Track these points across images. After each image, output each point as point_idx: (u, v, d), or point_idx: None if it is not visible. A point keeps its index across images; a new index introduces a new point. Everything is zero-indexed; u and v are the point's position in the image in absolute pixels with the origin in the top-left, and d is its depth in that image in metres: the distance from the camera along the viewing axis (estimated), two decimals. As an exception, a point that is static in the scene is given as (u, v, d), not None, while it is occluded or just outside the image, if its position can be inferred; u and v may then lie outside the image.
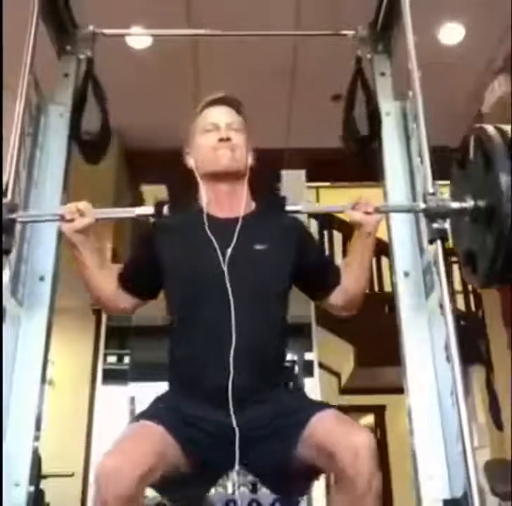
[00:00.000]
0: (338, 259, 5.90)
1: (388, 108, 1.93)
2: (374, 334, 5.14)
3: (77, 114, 1.93)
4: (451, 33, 3.61)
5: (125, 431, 1.36)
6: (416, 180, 1.78)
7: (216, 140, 1.59)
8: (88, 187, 3.83)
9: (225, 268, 1.46)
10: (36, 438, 1.55)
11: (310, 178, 4.87)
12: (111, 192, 4.50)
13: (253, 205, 1.64)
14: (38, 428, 1.56)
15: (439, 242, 1.43)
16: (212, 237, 1.50)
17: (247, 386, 1.40)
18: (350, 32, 2.06)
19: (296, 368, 3.78)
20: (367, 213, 1.47)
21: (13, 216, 1.46)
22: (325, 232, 6.02)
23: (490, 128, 1.37)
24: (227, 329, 1.41)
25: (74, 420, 4.70)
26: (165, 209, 1.64)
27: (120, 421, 3.70)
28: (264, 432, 1.38)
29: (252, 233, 1.53)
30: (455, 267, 6.36)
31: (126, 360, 3.93)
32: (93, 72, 1.98)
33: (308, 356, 3.72)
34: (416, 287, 1.69)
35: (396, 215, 1.78)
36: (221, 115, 1.66)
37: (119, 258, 4.44)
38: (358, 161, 2.10)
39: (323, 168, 4.82)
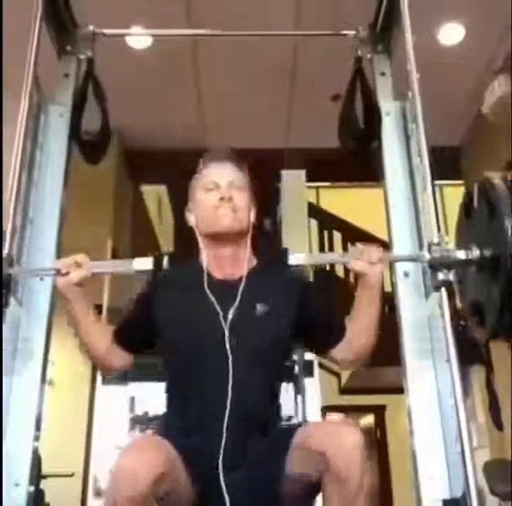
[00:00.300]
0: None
1: (388, 108, 1.93)
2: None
3: (77, 114, 1.92)
4: (451, 33, 3.62)
5: (135, 437, 1.33)
6: (415, 180, 1.78)
7: (218, 199, 1.56)
8: (88, 187, 3.85)
9: (226, 333, 1.44)
10: (36, 438, 1.55)
11: (310, 178, 4.87)
12: (111, 192, 4.50)
13: (254, 261, 1.62)
14: (38, 428, 1.55)
15: (443, 290, 1.40)
16: (213, 299, 1.49)
17: (241, 452, 1.38)
18: (350, 32, 2.06)
19: (296, 368, 3.78)
20: (371, 263, 1.44)
21: (11, 271, 1.48)
22: (326, 232, 6.02)
23: (494, 177, 1.36)
24: (224, 394, 1.39)
25: (74, 420, 4.69)
26: (165, 262, 1.63)
27: (120, 421, 3.71)
28: (256, 465, 1.37)
29: (253, 293, 1.51)
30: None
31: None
32: (94, 72, 1.98)
33: (308, 356, 3.71)
34: (415, 288, 1.69)
35: (395, 215, 1.78)
36: (222, 173, 1.62)
37: (119, 257, 4.44)
38: (357, 161, 2.10)
39: (323, 168, 4.83)
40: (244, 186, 1.63)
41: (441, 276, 1.38)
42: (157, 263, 1.63)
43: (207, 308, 1.47)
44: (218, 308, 1.48)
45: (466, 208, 1.48)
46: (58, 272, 1.45)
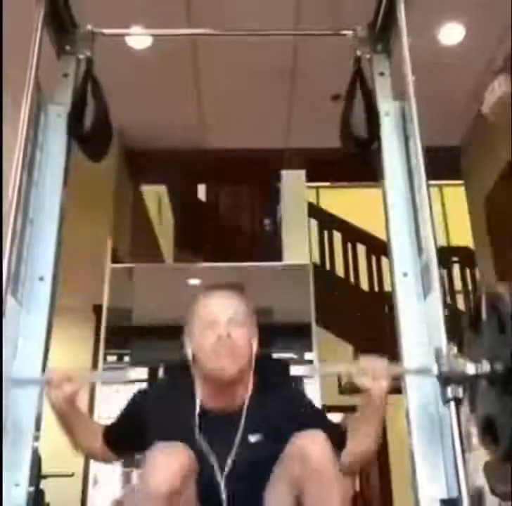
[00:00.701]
0: (338, 259, 5.91)
1: (387, 108, 1.92)
2: (374, 334, 5.15)
3: (77, 114, 1.93)
4: (451, 33, 3.61)
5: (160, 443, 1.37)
6: (414, 180, 1.78)
7: (216, 338, 1.55)
8: (88, 187, 3.85)
9: (222, 485, 1.45)
10: (36, 438, 1.55)
11: (310, 178, 4.86)
12: (111, 192, 4.50)
13: (250, 387, 1.59)
14: (38, 428, 1.56)
15: (452, 403, 1.36)
16: (205, 445, 1.49)
17: None
18: (350, 32, 2.06)
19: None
20: (375, 378, 1.45)
21: None
22: (326, 232, 6.02)
23: (502, 290, 1.34)
24: None
25: (74, 420, 4.69)
26: (160, 372, 1.63)
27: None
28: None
29: (249, 424, 1.50)
30: (455, 267, 6.38)
31: (126, 360, 3.93)
32: (93, 72, 1.98)
33: (308, 356, 3.71)
34: (414, 288, 1.69)
35: (393, 215, 1.79)
36: (222, 309, 1.60)
37: (119, 256, 4.44)
38: (357, 161, 2.10)
39: (323, 168, 4.82)
40: (244, 321, 1.60)
41: (450, 391, 1.34)
42: (153, 372, 1.64)
43: (198, 452, 1.42)
44: (212, 458, 1.47)
45: (474, 319, 1.46)
46: (50, 382, 1.48)
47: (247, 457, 1.48)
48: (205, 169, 5.11)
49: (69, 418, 1.54)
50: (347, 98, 2.04)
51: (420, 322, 1.63)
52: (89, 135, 1.95)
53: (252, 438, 1.50)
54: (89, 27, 2.00)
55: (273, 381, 1.64)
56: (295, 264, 4.25)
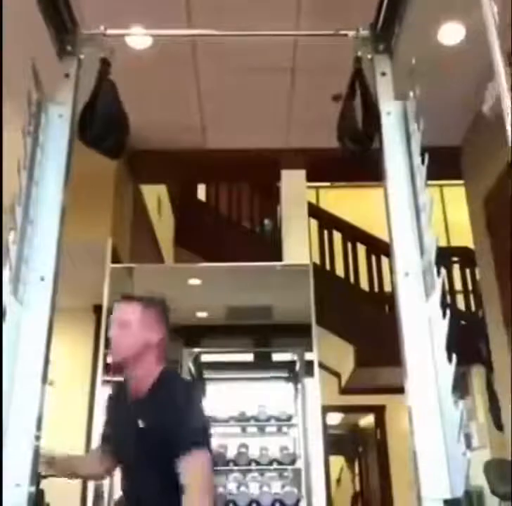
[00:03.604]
0: (338, 259, 5.91)
1: (389, 108, 1.92)
2: (374, 334, 5.15)
3: (87, 118, 1.93)
4: (451, 33, 3.61)
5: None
6: (416, 180, 1.78)
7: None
8: (89, 187, 3.85)
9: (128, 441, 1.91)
10: (37, 438, 1.55)
11: (310, 178, 4.87)
12: (111, 192, 4.50)
13: (153, 380, 1.92)
14: (38, 428, 1.56)
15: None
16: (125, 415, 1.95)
17: None
18: (351, 32, 2.06)
19: (296, 368, 3.78)
20: None
21: None
22: (325, 232, 6.02)
23: None
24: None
25: (74, 420, 4.70)
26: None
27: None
28: None
29: (141, 412, 1.87)
30: (455, 267, 6.38)
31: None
32: (109, 73, 1.99)
33: (308, 356, 3.71)
34: (416, 287, 1.68)
35: (395, 215, 1.79)
36: (114, 313, 1.98)
37: (119, 256, 4.44)
38: (356, 161, 2.10)
39: (323, 168, 4.82)
40: (127, 321, 1.94)
41: None
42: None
43: (122, 422, 1.97)
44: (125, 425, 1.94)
45: None
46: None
47: (135, 432, 1.86)
48: (204, 169, 5.11)
49: (67, 474, 2.11)
50: (347, 98, 2.04)
51: (422, 322, 1.63)
52: (104, 136, 1.96)
53: (139, 421, 1.85)
54: (90, 27, 2.00)
55: (164, 385, 1.94)
56: (295, 264, 4.25)
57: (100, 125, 1.94)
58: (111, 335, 1.94)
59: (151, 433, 1.81)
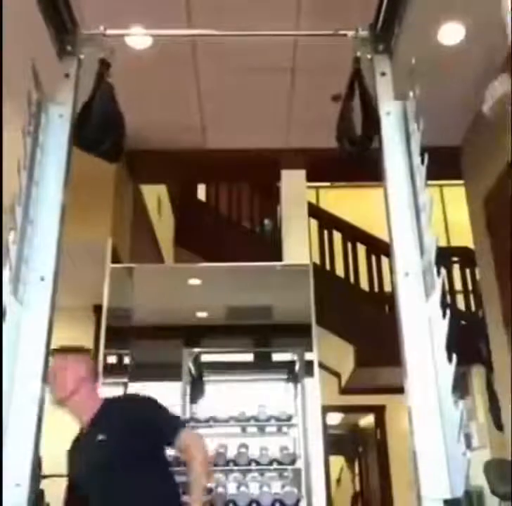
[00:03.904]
0: (338, 259, 5.92)
1: (389, 108, 1.92)
2: (374, 334, 5.15)
3: (84, 117, 1.93)
4: (451, 33, 3.61)
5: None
6: (416, 180, 1.78)
7: None
8: (89, 187, 3.85)
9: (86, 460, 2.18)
10: (37, 438, 1.55)
11: (310, 178, 4.87)
12: (111, 192, 4.50)
13: (98, 403, 2.28)
14: (38, 428, 1.56)
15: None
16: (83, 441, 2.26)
17: None
18: (350, 32, 2.06)
19: (296, 368, 3.78)
20: None
21: None
22: (325, 232, 6.02)
23: None
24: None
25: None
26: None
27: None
28: None
29: (98, 429, 2.14)
30: (455, 267, 6.38)
31: (126, 360, 3.92)
32: (107, 75, 1.98)
33: (308, 356, 3.71)
34: (416, 287, 1.68)
35: (395, 215, 1.79)
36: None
37: (119, 256, 4.44)
38: (355, 161, 2.09)
39: (323, 168, 4.82)
40: (60, 367, 2.24)
41: None
42: None
43: (82, 450, 2.25)
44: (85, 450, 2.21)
45: None
46: None
47: (93, 447, 2.13)
48: (204, 169, 5.11)
49: None
50: (346, 98, 2.04)
51: (422, 322, 1.63)
52: (101, 139, 1.95)
53: (97, 436, 2.12)
54: (90, 27, 2.00)
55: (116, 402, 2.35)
56: (295, 264, 4.25)
57: (97, 128, 1.94)
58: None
59: (119, 435, 2.08)
